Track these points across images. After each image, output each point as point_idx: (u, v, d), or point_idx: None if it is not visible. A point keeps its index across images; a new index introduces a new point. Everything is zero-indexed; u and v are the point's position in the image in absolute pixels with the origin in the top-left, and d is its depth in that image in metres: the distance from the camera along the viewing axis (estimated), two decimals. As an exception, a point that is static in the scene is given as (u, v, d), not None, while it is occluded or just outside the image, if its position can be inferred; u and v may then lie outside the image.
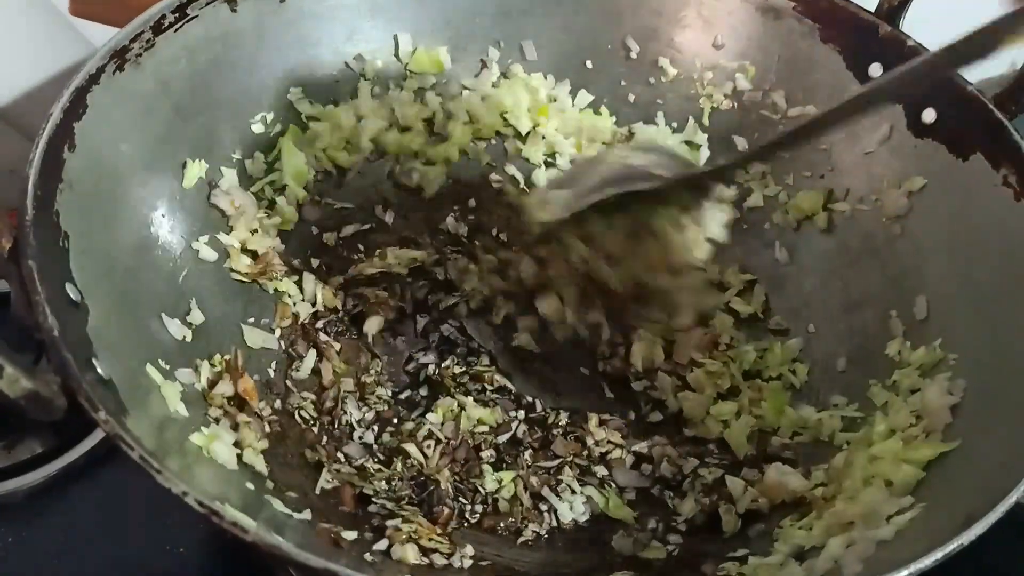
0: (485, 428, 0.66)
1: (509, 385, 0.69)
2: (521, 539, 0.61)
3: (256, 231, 0.68)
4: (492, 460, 0.65)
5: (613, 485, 0.64)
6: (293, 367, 0.67)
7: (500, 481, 0.63)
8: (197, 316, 0.61)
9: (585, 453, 0.66)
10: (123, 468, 0.41)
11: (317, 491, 0.59)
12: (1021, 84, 0.62)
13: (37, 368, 0.44)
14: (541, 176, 0.79)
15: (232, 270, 0.66)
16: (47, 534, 0.61)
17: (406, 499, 0.61)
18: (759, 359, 0.70)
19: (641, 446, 0.66)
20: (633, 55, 0.78)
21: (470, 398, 0.67)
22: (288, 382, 0.66)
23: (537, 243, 0.70)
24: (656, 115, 0.79)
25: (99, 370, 0.46)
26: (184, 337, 0.59)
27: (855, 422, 0.61)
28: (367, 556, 0.54)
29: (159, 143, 0.62)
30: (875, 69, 0.68)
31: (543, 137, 0.79)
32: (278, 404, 0.64)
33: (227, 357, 0.61)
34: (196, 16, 0.63)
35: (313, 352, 0.68)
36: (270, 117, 0.71)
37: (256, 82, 0.69)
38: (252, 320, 0.66)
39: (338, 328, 0.70)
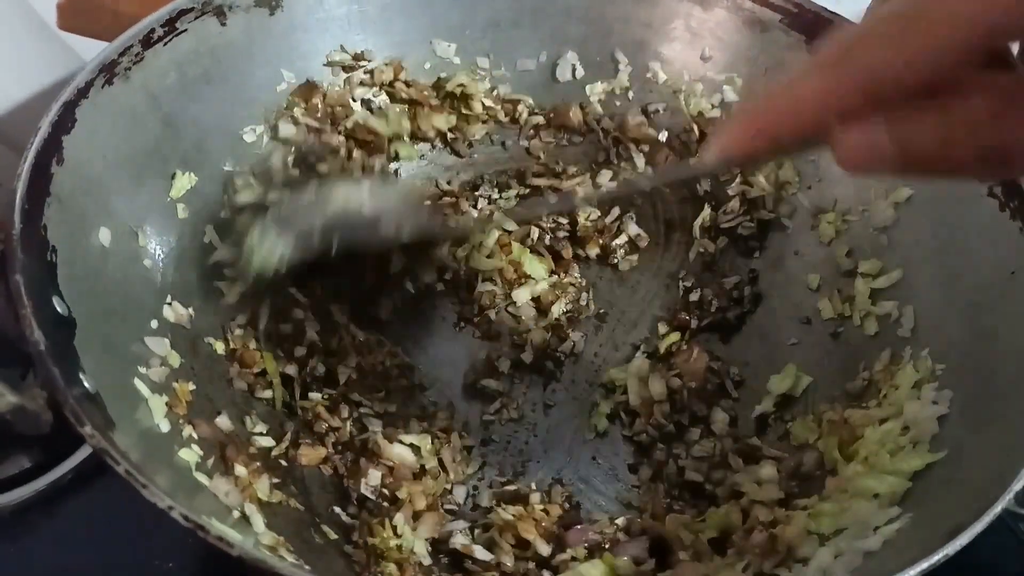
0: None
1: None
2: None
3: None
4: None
5: None
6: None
7: None
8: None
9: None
10: (112, 483, 0.41)
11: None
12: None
13: (24, 383, 0.44)
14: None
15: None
16: (35, 550, 0.61)
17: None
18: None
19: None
20: (621, 67, 0.79)
21: None
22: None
23: None
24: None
25: (86, 384, 0.46)
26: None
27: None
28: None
29: (148, 156, 0.62)
30: (861, 81, 0.68)
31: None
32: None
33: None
34: (185, 30, 0.63)
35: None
36: (260, 129, 0.71)
37: (246, 94, 0.69)
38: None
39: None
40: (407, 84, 0.76)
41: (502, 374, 0.72)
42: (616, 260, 0.78)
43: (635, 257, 0.79)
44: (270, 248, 0.59)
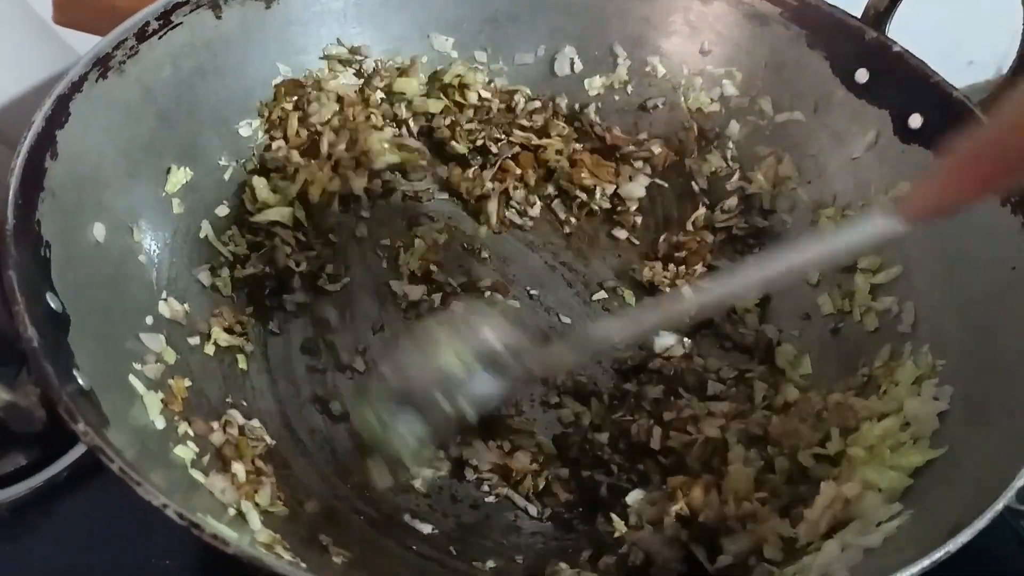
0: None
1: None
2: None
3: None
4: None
5: None
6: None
7: None
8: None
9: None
10: (109, 480, 0.40)
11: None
12: (1007, 89, 0.62)
13: (18, 379, 0.43)
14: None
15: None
16: (34, 548, 0.60)
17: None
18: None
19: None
20: (620, 61, 0.78)
21: None
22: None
23: None
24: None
25: (80, 381, 0.45)
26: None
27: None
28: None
29: (143, 150, 0.61)
30: (861, 75, 0.68)
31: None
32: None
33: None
34: (180, 23, 0.63)
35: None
36: (255, 123, 0.70)
37: (242, 88, 0.69)
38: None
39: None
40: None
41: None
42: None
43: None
44: (409, 435, 0.54)
